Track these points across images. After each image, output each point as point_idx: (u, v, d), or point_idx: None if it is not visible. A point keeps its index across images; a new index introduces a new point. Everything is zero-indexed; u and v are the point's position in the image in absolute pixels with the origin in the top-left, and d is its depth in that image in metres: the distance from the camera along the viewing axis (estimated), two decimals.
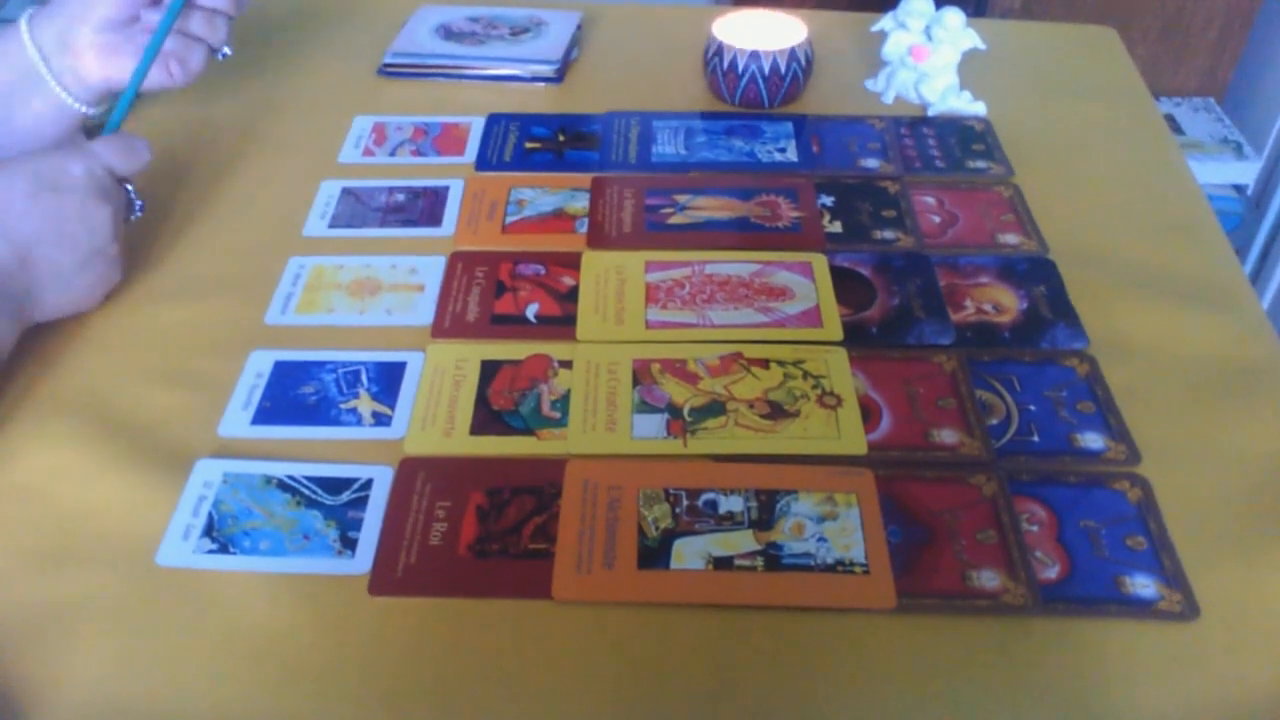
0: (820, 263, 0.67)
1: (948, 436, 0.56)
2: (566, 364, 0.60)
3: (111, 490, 0.53)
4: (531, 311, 0.64)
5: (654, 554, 0.50)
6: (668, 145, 0.78)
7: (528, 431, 0.56)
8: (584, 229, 0.70)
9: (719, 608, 0.48)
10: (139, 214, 0.64)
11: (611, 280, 0.66)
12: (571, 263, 0.67)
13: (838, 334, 0.62)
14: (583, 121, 0.81)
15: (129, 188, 0.62)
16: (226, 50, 0.72)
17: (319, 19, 0.95)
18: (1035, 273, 0.67)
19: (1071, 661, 0.46)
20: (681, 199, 0.73)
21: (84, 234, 0.58)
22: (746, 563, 0.50)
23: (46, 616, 0.47)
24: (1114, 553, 0.50)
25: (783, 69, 0.80)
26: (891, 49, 0.83)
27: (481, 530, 0.51)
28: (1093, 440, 0.56)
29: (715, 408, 0.57)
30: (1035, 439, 0.56)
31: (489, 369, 0.60)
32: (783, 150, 0.78)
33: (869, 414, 0.57)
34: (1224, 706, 0.45)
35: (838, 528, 0.51)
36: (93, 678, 0.45)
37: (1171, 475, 0.54)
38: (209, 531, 0.51)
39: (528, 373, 0.59)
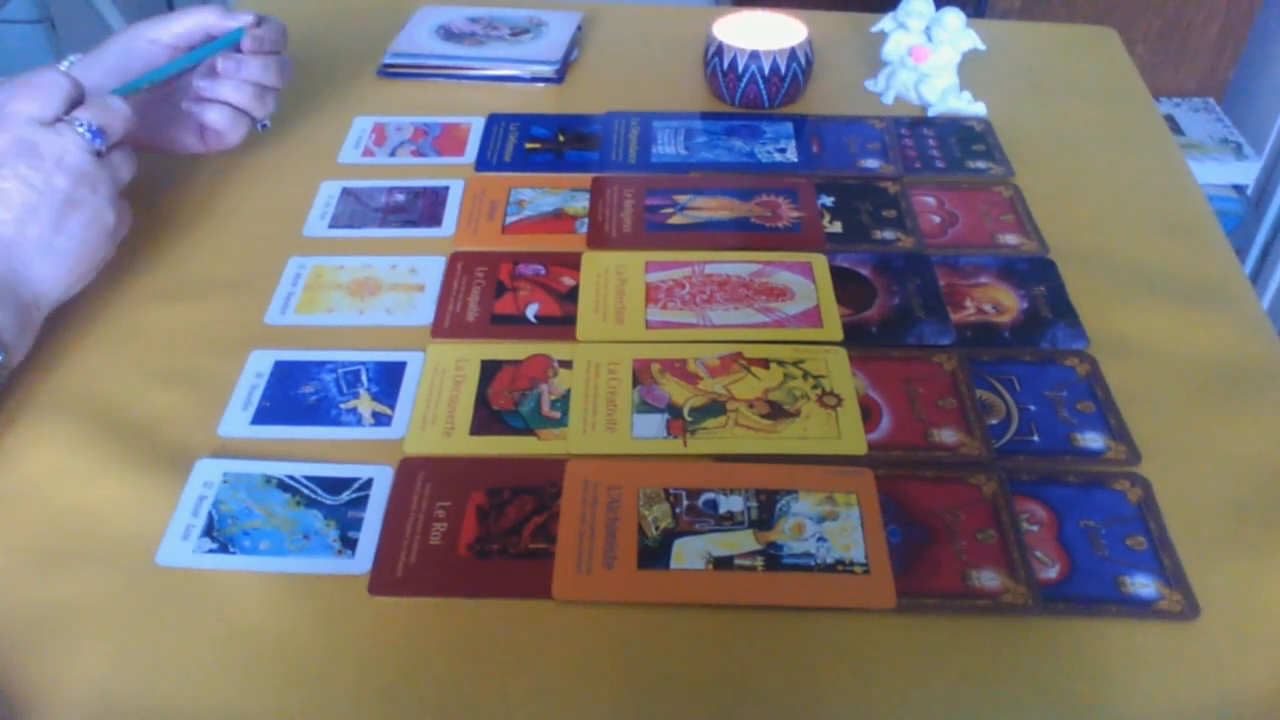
0: (820, 263, 0.67)
1: (948, 436, 0.56)
2: (566, 364, 0.60)
3: (111, 490, 0.53)
4: (531, 311, 0.64)
5: (654, 554, 0.50)
6: (668, 145, 0.78)
7: (528, 431, 0.56)
8: (584, 229, 0.70)
9: (719, 608, 0.48)
10: (101, 145, 0.57)
11: (611, 280, 0.66)
12: (571, 263, 0.67)
13: (838, 334, 0.62)
14: (583, 122, 0.81)
15: (80, 123, 0.57)
16: (266, 122, 0.72)
17: (319, 19, 0.95)
18: (1035, 273, 0.67)
19: (1071, 661, 0.46)
20: (681, 199, 0.73)
21: (31, 194, 0.55)
22: (746, 562, 0.50)
23: (46, 616, 0.47)
24: (1114, 552, 0.50)
25: (783, 69, 0.80)
26: (891, 49, 0.83)
27: (481, 530, 0.51)
28: (1093, 440, 0.56)
29: (715, 408, 0.57)
30: (1035, 439, 0.56)
31: (489, 369, 0.59)
32: (783, 150, 0.78)
33: (869, 414, 0.57)
34: (1224, 706, 0.45)
35: (838, 527, 0.51)
36: (93, 678, 0.45)
37: (1171, 475, 0.54)
38: (209, 531, 0.51)
39: (528, 373, 0.59)
